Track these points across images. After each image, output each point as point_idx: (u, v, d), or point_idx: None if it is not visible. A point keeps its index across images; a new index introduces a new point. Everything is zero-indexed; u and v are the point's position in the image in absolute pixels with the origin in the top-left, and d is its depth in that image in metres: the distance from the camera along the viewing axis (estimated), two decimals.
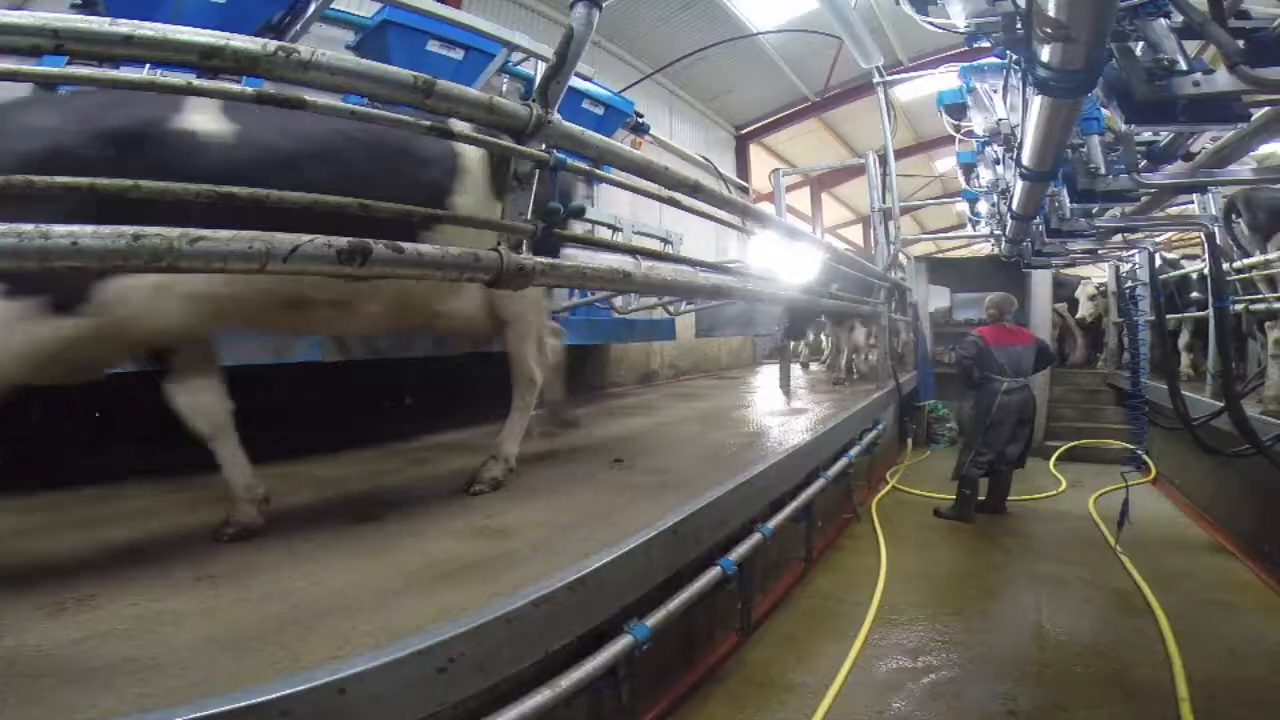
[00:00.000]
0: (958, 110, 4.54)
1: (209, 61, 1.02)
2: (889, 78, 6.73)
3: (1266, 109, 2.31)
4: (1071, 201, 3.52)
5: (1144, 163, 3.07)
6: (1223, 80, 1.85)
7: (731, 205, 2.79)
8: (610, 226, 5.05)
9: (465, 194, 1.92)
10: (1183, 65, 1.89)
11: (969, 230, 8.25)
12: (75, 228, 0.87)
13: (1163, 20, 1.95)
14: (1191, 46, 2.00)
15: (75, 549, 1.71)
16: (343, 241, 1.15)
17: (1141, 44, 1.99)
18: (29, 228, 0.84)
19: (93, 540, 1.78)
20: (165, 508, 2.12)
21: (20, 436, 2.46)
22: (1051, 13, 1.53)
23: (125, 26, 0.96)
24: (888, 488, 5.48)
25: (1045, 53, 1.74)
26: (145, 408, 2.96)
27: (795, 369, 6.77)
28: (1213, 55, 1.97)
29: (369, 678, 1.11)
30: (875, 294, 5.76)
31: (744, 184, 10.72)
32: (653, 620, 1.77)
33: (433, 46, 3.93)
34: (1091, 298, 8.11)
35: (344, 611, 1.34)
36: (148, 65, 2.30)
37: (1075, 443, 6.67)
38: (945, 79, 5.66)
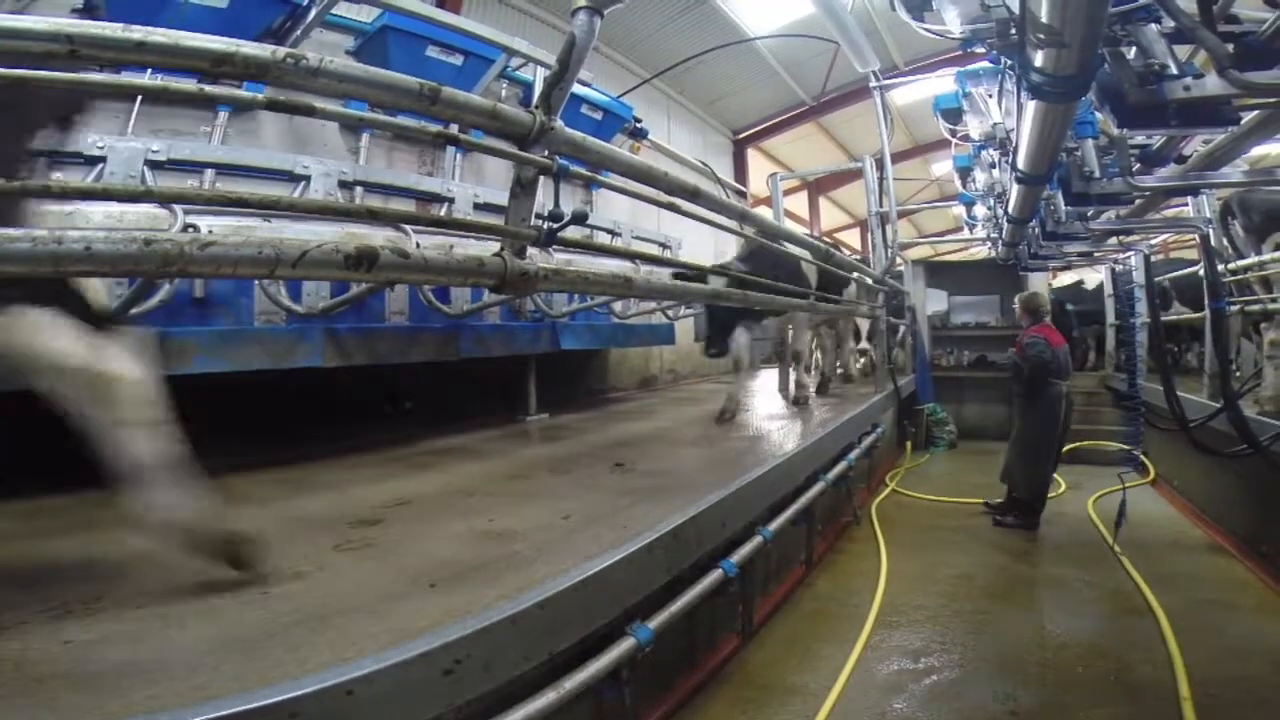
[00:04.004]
0: (953, 114, 4.58)
1: (220, 68, 1.04)
2: (886, 82, 6.77)
3: (1256, 112, 2.33)
4: (1066, 204, 3.55)
5: (1137, 166, 3.10)
6: (1213, 84, 1.88)
7: (730, 209, 2.81)
8: (610, 232, 5.08)
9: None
10: (1173, 69, 1.92)
11: (966, 233, 8.29)
12: (89, 232, 0.88)
13: (1153, 25, 1.97)
14: (1182, 51, 2.02)
15: (80, 552, 1.71)
16: (350, 248, 1.16)
17: (1133, 49, 2.02)
18: (43, 232, 0.85)
19: (98, 543, 1.78)
20: None
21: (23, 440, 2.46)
22: (1044, 19, 1.55)
23: (138, 33, 0.97)
24: (887, 490, 5.49)
25: (1039, 58, 1.77)
26: None
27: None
28: (1203, 59, 2.00)
29: (376, 679, 1.11)
30: (874, 297, 5.79)
31: (742, 188, 10.76)
32: (655, 622, 1.78)
33: (432, 52, 3.96)
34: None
35: (349, 614, 1.34)
36: (149, 70, 2.33)
37: (1074, 444, 6.68)
38: (941, 83, 5.71)
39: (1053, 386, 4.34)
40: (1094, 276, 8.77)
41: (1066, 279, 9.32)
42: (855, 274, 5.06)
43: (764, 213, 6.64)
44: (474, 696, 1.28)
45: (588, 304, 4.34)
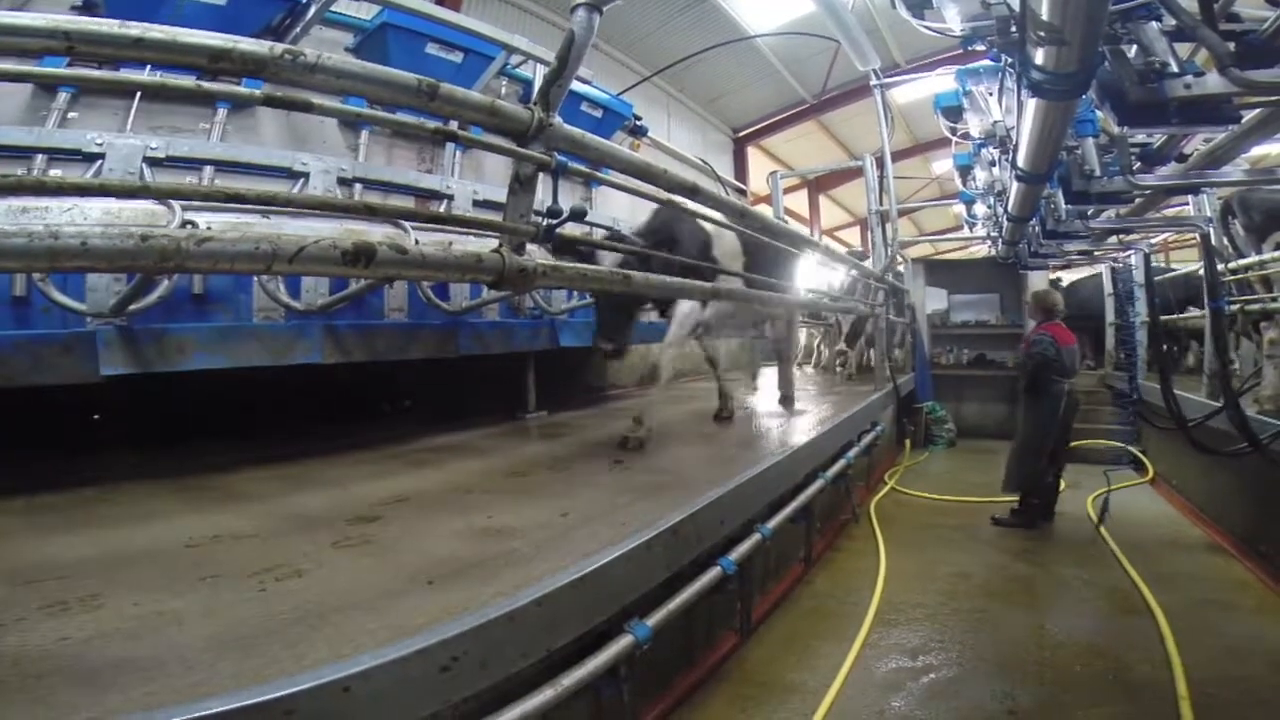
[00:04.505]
0: (954, 112, 4.58)
1: (217, 64, 1.03)
2: (886, 80, 6.77)
3: (1258, 111, 2.33)
4: (1067, 203, 3.55)
5: (1138, 164, 3.10)
6: (1213, 82, 1.88)
7: (729, 208, 2.81)
8: (609, 229, 5.07)
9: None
10: (1174, 68, 1.91)
11: (966, 232, 8.28)
12: (85, 228, 0.88)
13: (1154, 23, 1.97)
14: (1183, 49, 2.02)
15: (78, 549, 1.71)
16: (347, 243, 1.16)
17: (1134, 47, 2.01)
18: (39, 228, 0.85)
19: (95, 540, 1.79)
20: (167, 508, 2.12)
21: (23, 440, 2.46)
22: (1045, 16, 1.55)
23: (135, 29, 0.97)
24: (886, 489, 5.50)
25: (1039, 56, 1.77)
26: (146, 410, 2.97)
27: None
28: (1204, 58, 1.99)
29: (373, 676, 1.11)
30: (874, 295, 5.79)
31: (742, 186, 10.76)
32: (653, 620, 1.78)
33: (432, 49, 3.95)
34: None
35: (347, 611, 1.34)
36: (148, 66, 2.32)
37: (1073, 443, 6.68)
38: (942, 81, 5.70)
39: (1055, 385, 4.32)
40: (1070, 275, 8.73)
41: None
42: (810, 251, 4.04)
43: (764, 210, 6.62)
44: (471, 694, 1.28)
45: (587, 301, 4.34)
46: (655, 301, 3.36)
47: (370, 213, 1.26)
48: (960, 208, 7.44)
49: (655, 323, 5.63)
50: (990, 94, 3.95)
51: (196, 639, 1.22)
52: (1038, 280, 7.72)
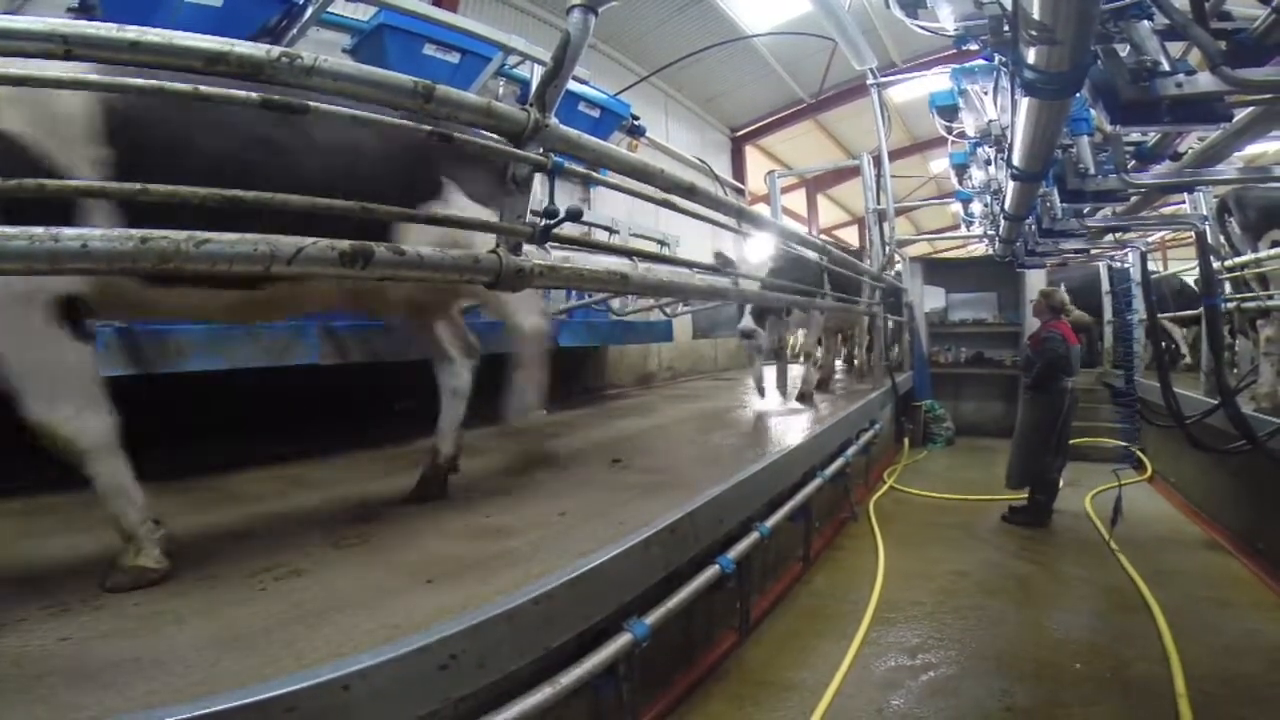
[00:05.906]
0: (949, 111, 4.58)
1: (214, 67, 1.04)
2: (883, 79, 6.77)
3: (1250, 110, 2.34)
4: (1062, 201, 3.56)
5: (1133, 163, 3.11)
6: (1205, 81, 1.89)
7: (727, 207, 2.82)
8: (607, 229, 5.08)
9: None
10: (1166, 66, 1.93)
11: (963, 230, 8.29)
12: (85, 230, 0.89)
13: (1146, 22, 1.98)
14: (1175, 48, 2.03)
15: (79, 550, 1.72)
16: (345, 244, 1.17)
17: (1126, 46, 2.02)
18: (40, 230, 0.86)
19: (96, 542, 1.79)
20: (165, 510, 2.12)
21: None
22: (1036, 15, 1.56)
23: (132, 32, 0.98)
24: (885, 487, 5.51)
25: (1031, 55, 1.78)
26: (144, 411, 2.96)
27: (793, 370, 6.70)
28: (1197, 57, 2.00)
29: (372, 675, 1.12)
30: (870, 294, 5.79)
31: (740, 185, 10.77)
32: (652, 618, 1.79)
33: (429, 50, 3.95)
34: None
35: (346, 610, 1.35)
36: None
37: (1071, 441, 6.69)
38: (939, 80, 5.70)
39: (1060, 382, 4.38)
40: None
41: None
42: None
43: (761, 210, 6.63)
44: (470, 692, 1.29)
45: (585, 301, 4.35)
46: None
47: (367, 214, 1.27)
48: (957, 206, 7.45)
49: (655, 323, 5.65)
50: (985, 93, 3.96)
51: (197, 638, 1.23)
52: (1035, 279, 7.73)
